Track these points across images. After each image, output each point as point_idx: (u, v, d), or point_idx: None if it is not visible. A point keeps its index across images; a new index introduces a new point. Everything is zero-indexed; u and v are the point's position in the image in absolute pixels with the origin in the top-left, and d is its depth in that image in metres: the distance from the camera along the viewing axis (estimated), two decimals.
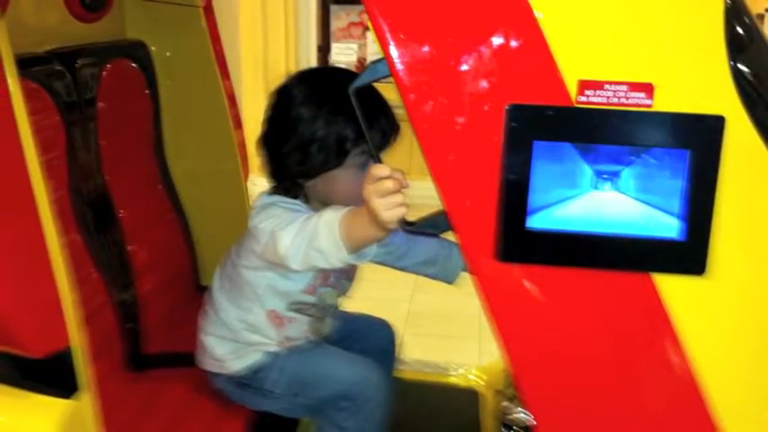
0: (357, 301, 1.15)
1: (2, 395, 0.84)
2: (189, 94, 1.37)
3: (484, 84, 0.63)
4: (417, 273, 1.12)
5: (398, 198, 0.71)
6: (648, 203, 0.66)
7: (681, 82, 0.63)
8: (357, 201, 0.76)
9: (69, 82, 1.10)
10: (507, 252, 0.66)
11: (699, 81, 0.63)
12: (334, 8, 3.78)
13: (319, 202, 0.96)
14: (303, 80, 0.98)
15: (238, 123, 1.42)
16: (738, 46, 0.62)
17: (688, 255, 0.65)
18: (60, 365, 0.83)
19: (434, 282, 1.12)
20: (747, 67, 0.62)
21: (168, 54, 1.34)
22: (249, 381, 1.05)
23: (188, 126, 1.39)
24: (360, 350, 1.06)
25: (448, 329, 2.17)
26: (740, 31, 0.62)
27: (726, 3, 0.61)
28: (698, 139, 0.63)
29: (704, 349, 0.67)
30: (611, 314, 0.69)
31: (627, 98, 0.62)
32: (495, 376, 1.34)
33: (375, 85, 0.75)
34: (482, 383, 1.40)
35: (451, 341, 2.06)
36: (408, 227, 0.73)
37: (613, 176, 0.65)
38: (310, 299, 1.03)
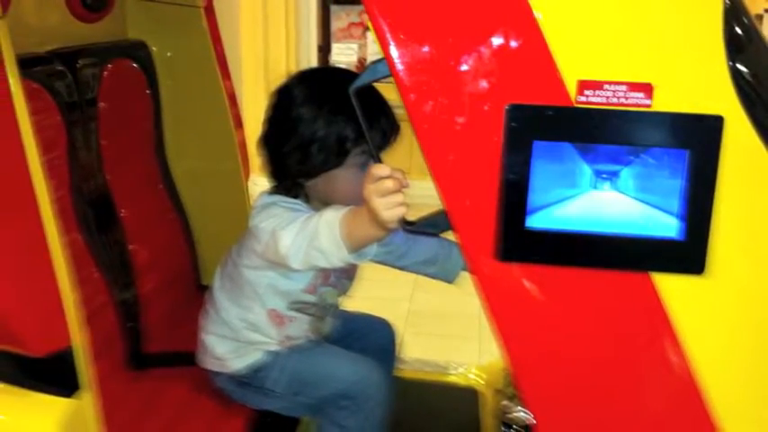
0: (357, 301, 1.15)
1: (3, 394, 0.84)
2: (190, 94, 1.37)
3: (484, 84, 0.64)
4: (417, 272, 1.12)
5: (398, 198, 0.71)
6: (648, 203, 0.66)
7: (680, 82, 0.63)
8: (357, 200, 0.76)
9: (70, 82, 1.10)
10: (507, 251, 0.66)
11: (698, 81, 0.63)
12: (334, 8, 3.79)
13: (320, 202, 0.96)
14: (303, 80, 0.98)
15: (239, 123, 1.42)
16: (737, 46, 0.62)
17: (687, 254, 0.66)
18: (61, 364, 0.83)
19: (434, 281, 1.12)
20: (746, 67, 0.63)
21: (169, 54, 1.35)
22: (250, 380, 1.05)
23: (189, 126, 1.39)
24: (360, 349, 1.06)
25: (448, 329, 2.17)
26: (739, 31, 0.62)
27: (725, 3, 0.62)
28: (697, 139, 0.63)
29: (703, 348, 0.67)
30: (610, 314, 0.69)
31: (626, 98, 0.63)
32: (495, 375, 1.34)
33: (375, 85, 0.75)
34: (482, 382, 1.40)
35: (451, 340, 2.06)
36: (408, 226, 0.73)
37: (613, 176, 0.66)
38: (311, 298, 1.04)
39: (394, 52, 0.63)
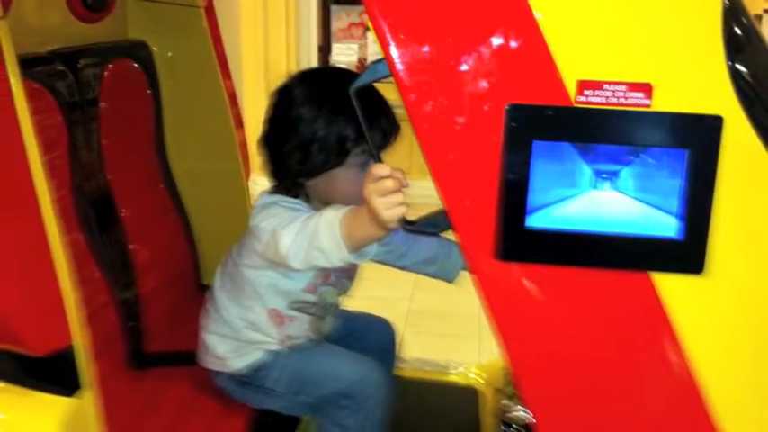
0: (358, 300, 1.15)
1: (5, 393, 0.84)
2: (190, 93, 1.37)
3: (484, 84, 0.64)
4: (417, 272, 1.12)
5: (399, 197, 0.71)
6: (647, 203, 0.66)
7: (679, 82, 0.63)
8: (358, 200, 0.76)
9: (71, 82, 1.11)
10: (507, 251, 0.66)
11: (697, 81, 0.63)
12: (334, 8, 3.79)
13: (320, 202, 0.97)
14: (304, 80, 0.98)
15: (239, 123, 1.42)
16: (736, 46, 0.62)
17: (686, 254, 0.66)
18: (63, 364, 0.84)
19: (434, 280, 1.12)
20: (745, 67, 0.63)
21: (170, 54, 1.35)
22: (250, 379, 1.05)
23: (189, 126, 1.39)
24: (360, 348, 1.06)
25: (448, 328, 2.17)
26: (738, 31, 0.63)
27: (724, 3, 0.62)
28: (696, 139, 0.63)
29: (703, 348, 0.67)
30: (610, 313, 0.69)
31: (626, 98, 0.63)
32: (495, 374, 1.34)
33: (375, 85, 0.75)
34: (482, 382, 1.40)
35: (451, 339, 2.06)
36: (408, 226, 0.73)
37: (612, 176, 0.66)
38: (311, 297, 1.04)
39: (394, 52, 0.64)
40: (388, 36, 0.64)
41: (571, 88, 0.63)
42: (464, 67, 0.63)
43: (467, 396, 1.37)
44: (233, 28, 3.30)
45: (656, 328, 0.67)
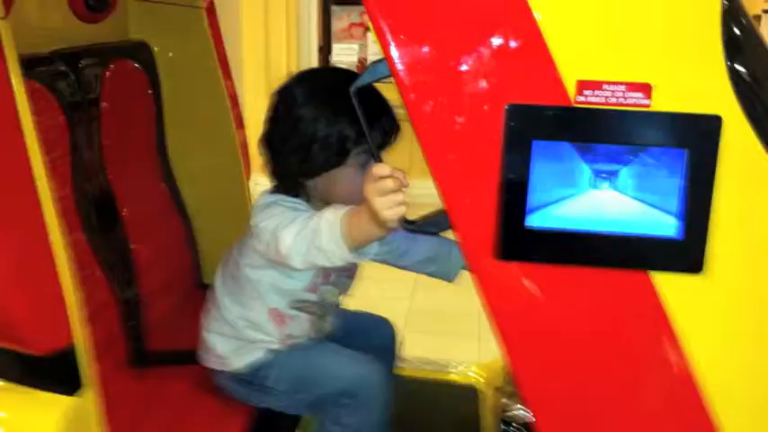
0: (358, 299, 1.15)
1: (6, 392, 0.85)
2: (191, 94, 1.37)
3: (483, 84, 0.64)
4: (418, 271, 1.13)
5: (399, 197, 0.72)
6: (646, 202, 0.66)
7: (678, 82, 0.64)
8: (358, 199, 0.77)
9: (73, 82, 1.11)
10: (506, 250, 0.67)
11: (696, 81, 0.64)
12: (334, 9, 3.79)
13: (320, 201, 0.97)
14: (304, 80, 0.99)
15: (240, 123, 1.42)
16: (735, 46, 0.63)
17: (686, 253, 0.66)
18: (64, 363, 0.84)
19: (434, 280, 1.12)
20: (744, 67, 0.63)
21: (171, 55, 1.35)
22: (251, 378, 1.05)
23: (190, 126, 1.39)
24: (361, 348, 1.07)
25: (448, 327, 2.17)
26: (737, 31, 0.63)
27: (723, 4, 0.62)
28: (695, 139, 0.64)
29: (702, 347, 0.68)
30: (609, 312, 0.69)
31: (625, 98, 0.63)
32: (495, 373, 1.35)
33: (375, 85, 0.75)
34: (481, 381, 1.40)
35: (451, 339, 2.06)
36: (409, 225, 0.73)
37: (612, 176, 0.66)
38: (312, 297, 1.04)
39: (394, 52, 0.64)
40: (389, 36, 0.64)
41: (571, 88, 0.63)
42: (464, 67, 0.64)
43: (467, 395, 1.37)
44: (234, 28, 3.30)
45: (655, 328, 0.68)
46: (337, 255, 0.82)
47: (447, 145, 0.65)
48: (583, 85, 0.63)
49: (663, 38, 0.63)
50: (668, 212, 0.65)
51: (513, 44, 0.63)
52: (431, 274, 1.12)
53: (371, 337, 1.19)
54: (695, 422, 0.69)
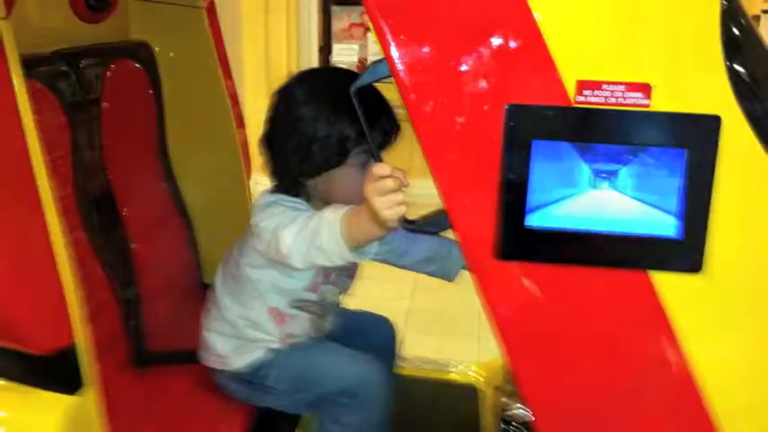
0: (358, 299, 1.16)
1: (7, 391, 0.85)
2: (192, 93, 1.37)
3: (483, 84, 0.64)
4: (417, 270, 1.13)
5: (399, 197, 0.72)
6: (646, 202, 0.66)
7: (678, 82, 0.64)
8: (358, 199, 0.77)
9: (74, 82, 1.11)
10: (506, 250, 0.67)
11: (696, 81, 0.64)
12: (335, 9, 3.79)
13: (321, 201, 0.97)
14: (304, 80, 0.99)
15: (241, 122, 1.43)
16: (734, 47, 0.63)
17: (685, 253, 0.66)
18: (65, 362, 0.84)
19: (434, 279, 1.13)
20: (743, 67, 0.63)
21: (171, 54, 1.35)
22: (251, 377, 1.05)
23: (191, 125, 1.40)
24: (361, 347, 1.07)
25: (448, 326, 2.17)
26: (736, 31, 0.63)
27: (722, 4, 0.62)
28: (695, 139, 0.64)
29: (701, 346, 0.68)
30: (608, 312, 0.69)
31: (625, 98, 0.63)
32: (494, 373, 1.35)
33: (376, 85, 0.75)
34: (481, 380, 1.41)
35: (451, 338, 2.06)
36: (408, 225, 0.74)
37: (611, 175, 0.66)
38: (312, 296, 1.04)
39: (394, 52, 0.64)
40: (389, 36, 0.64)
41: (570, 88, 0.63)
42: (464, 67, 0.64)
43: (466, 394, 1.37)
44: (234, 28, 3.30)
45: (654, 327, 0.68)
46: (337, 254, 0.82)
47: (447, 145, 0.66)
48: (582, 85, 0.63)
49: (662, 38, 0.64)
50: (668, 212, 0.66)
51: (512, 44, 0.64)
52: (431, 274, 1.12)
53: (371, 336, 1.19)
54: (694, 421, 0.69)
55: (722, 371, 0.69)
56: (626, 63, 0.64)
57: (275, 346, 1.05)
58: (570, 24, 0.64)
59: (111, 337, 1.13)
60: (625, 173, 0.66)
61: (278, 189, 0.99)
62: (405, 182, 0.72)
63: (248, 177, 1.45)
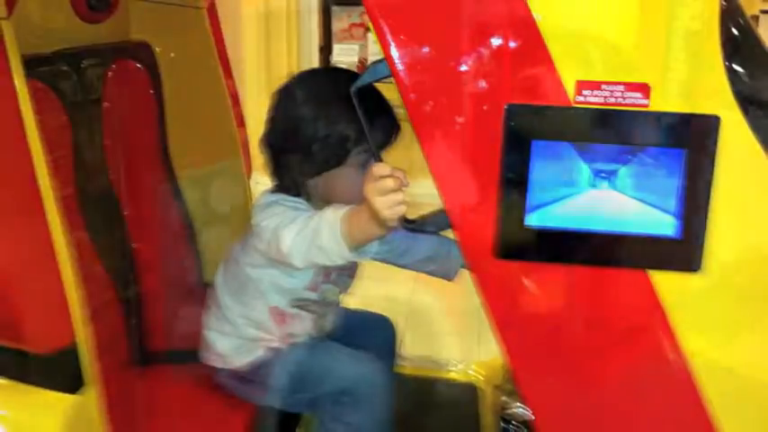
0: (358, 298, 1.16)
1: (9, 390, 0.85)
2: (193, 93, 1.37)
3: (483, 84, 0.64)
4: (417, 270, 1.13)
5: (399, 196, 0.72)
6: (645, 202, 0.67)
7: (677, 82, 0.64)
8: (358, 199, 0.77)
9: (75, 82, 1.11)
10: (506, 250, 0.67)
11: (695, 81, 0.64)
12: (335, 9, 3.79)
13: (321, 201, 0.97)
14: (305, 80, 0.99)
15: (241, 122, 1.43)
16: (733, 47, 0.63)
17: (684, 252, 0.67)
18: (66, 361, 0.84)
19: (434, 278, 1.13)
20: (742, 67, 0.63)
21: (172, 54, 1.35)
22: (252, 376, 1.06)
23: (192, 125, 1.40)
24: (361, 346, 1.07)
25: (448, 326, 2.17)
26: (735, 32, 0.63)
27: (721, 4, 0.63)
28: (694, 139, 0.64)
29: (700, 345, 0.68)
30: (608, 311, 0.70)
31: (624, 98, 0.64)
32: (494, 372, 1.35)
33: (376, 85, 0.76)
34: (481, 379, 1.41)
35: (451, 337, 2.06)
36: (408, 225, 0.74)
37: (611, 175, 0.66)
38: (312, 295, 1.05)
39: (394, 53, 0.64)
40: (389, 36, 0.64)
41: (570, 88, 0.63)
42: (464, 67, 0.64)
43: (466, 393, 1.38)
44: (235, 28, 3.30)
45: (653, 326, 0.68)
46: (338, 254, 0.82)
47: (447, 145, 0.66)
48: (582, 86, 0.63)
49: (661, 38, 0.64)
50: (667, 212, 0.66)
51: (512, 45, 0.64)
52: (431, 273, 1.12)
53: (372, 335, 1.19)
54: (694, 420, 0.70)
55: (721, 369, 0.69)
56: (625, 63, 0.64)
57: (276, 345, 1.05)
58: (570, 25, 0.64)
59: (112, 336, 1.13)
60: (624, 173, 0.66)
61: (278, 189, 0.99)
62: (405, 181, 0.73)
63: (249, 177, 1.46)
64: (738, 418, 0.70)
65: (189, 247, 1.43)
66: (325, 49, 3.79)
